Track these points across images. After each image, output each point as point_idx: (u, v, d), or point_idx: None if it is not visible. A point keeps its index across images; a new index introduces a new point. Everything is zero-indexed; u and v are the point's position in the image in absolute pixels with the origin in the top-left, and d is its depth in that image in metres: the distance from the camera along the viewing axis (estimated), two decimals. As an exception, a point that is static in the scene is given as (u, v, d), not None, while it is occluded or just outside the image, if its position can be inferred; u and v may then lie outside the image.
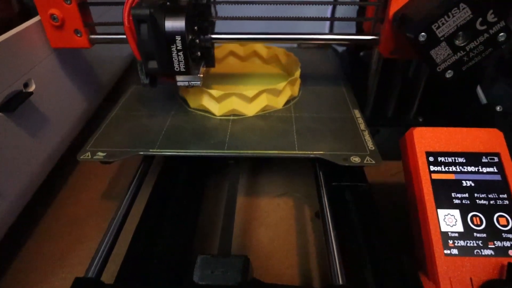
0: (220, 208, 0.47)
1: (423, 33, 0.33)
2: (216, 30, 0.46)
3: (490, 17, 0.32)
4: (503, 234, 0.31)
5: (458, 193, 0.33)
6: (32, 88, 0.43)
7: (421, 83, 0.49)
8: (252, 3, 0.44)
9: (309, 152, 0.40)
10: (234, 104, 0.46)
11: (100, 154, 0.40)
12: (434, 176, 0.34)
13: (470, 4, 0.32)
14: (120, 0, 0.38)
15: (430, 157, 0.35)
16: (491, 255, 0.31)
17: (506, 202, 0.33)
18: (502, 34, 0.33)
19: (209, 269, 0.30)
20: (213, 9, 0.45)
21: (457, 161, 0.35)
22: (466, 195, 0.33)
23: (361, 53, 0.65)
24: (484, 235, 0.32)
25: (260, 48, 0.60)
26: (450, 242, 0.31)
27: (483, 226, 0.32)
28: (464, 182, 0.34)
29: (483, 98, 0.48)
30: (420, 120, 0.52)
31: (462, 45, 0.33)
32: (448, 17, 0.32)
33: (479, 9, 0.32)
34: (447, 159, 0.35)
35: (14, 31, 0.41)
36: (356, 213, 0.41)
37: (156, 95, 0.52)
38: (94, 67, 0.58)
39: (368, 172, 0.44)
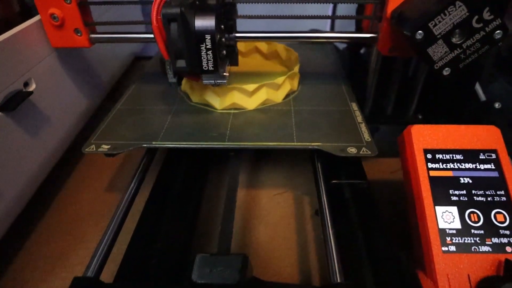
0: (220, 206, 0.48)
1: (420, 31, 0.33)
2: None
3: (486, 15, 0.32)
4: (500, 230, 0.32)
5: (456, 190, 0.33)
6: (32, 87, 0.43)
7: (420, 81, 0.49)
8: (264, 2, 0.44)
9: (307, 144, 0.41)
10: (235, 98, 0.47)
11: (105, 147, 0.41)
12: (432, 173, 0.34)
13: (466, 2, 0.32)
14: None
15: (428, 154, 0.35)
16: (488, 252, 0.31)
17: (504, 198, 0.33)
18: (498, 31, 0.33)
19: (208, 268, 0.30)
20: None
21: (454, 158, 0.35)
22: (464, 192, 0.33)
23: (362, 51, 0.65)
24: (482, 231, 0.32)
25: (260, 44, 0.61)
26: (448, 239, 0.31)
27: (481, 222, 0.32)
28: (461, 179, 0.34)
29: (482, 95, 0.48)
30: (420, 117, 0.52)
31: (458, 42, 0.33)
32: (445, 15, 0.32)
33: (475, 7, 0.32)
34: (445, 156, 0.35)
35: (15, 30, 0.41)
36: (355, 210, 0.41)
37: (158, 91, 0.53)
38: (95, 66, 0.58)
39: (367, 170, 0.45)
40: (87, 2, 0.45)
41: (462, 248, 0.31)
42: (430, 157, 0.35)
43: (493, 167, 0.34)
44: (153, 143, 0.41)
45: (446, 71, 0.35)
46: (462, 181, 0.34)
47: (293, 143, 0.41)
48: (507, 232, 0.31)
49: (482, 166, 0.34)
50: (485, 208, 0.32)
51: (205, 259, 0.30)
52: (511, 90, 0.46)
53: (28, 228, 0.46)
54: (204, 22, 0.36)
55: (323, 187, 0.39)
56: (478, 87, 0.48)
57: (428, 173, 0.34)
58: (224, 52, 0.42)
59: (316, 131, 0.43)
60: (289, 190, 0.51)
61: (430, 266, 0.31)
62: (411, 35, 0.33)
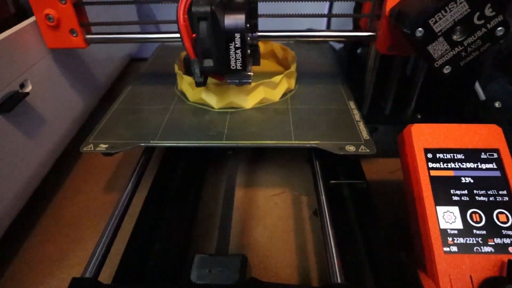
0: (218, 206, 0.47)
1: (420, 29, 0.33)
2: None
3: (488, 11, 0.31)
4: (503, 231, 0.31)
5: (457, 190, 0.33)
6: (28, 88, 0.43)
7: (419, 80, 0.49)
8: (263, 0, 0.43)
9: (305, 142, 0.41)
10: (232, 97, 0.47)
11: (102, 146, 0.41)
12: (433, 173, 0.34)
13: (468, -2, 0.31)
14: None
15: (428, 154, 0.34)
16: (491, 252, 0.30)
17: (506, 198, 0.32)
18: (500, 28, 0.32)
19: (207, 268, 0.29)
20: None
21: (455, 157, 0.34)
22: (465, 191, 0.33)
23: (358, 50, 0.65)
24: (484, 232, 0.31)
25: None
26: (450, 239, 0.31)
27: (483, 223, 0.32)
28: (463, 178, 0.33)
29: (481, 95, 0.47)
30: (419, 117, 0.52)
31: (459, 40, 0.33)
32: (445, 11, 0.32)
33: (476, 3, 0.31)
34: (446, 156, 0.34)
35: (10, 31, 0.41)
36: (354, 211, 0.41)
37: (155, 90, 0.53)
38: (91, 67, 0.58)
39: (366, 170, 0.44)
40: (82, 2, 0.44)
41: (464, 249, 0.31)
42: (431, 156, 0.34)
43: (495, 167, 0.34)
44: (151, 142, 0.41)
45: (446, 69, 0.35)
46: (463, 181, 0.33)
47: (291, 142, 0.41)
48: (510, 233, 0.31)
49: (483, 166, 0.34)
50: (487, 208, 0.32)
51: (204, 260, 0.30)
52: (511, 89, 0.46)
53: (26, 229, 0.46)
54: (234, 21, 0.36)
55: (322, 187, 0.39)
56: (477, 86, 0.47)
57: (429, 173, 0.34)
58: (249, 51, 0.41)
59: (314, 129, 0.43)
60: (287, 191, 0.50)
61: (432, 267, 0.31)
62: (411, 32, 0.33)
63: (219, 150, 0.42)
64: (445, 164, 0.34)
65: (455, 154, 0.34)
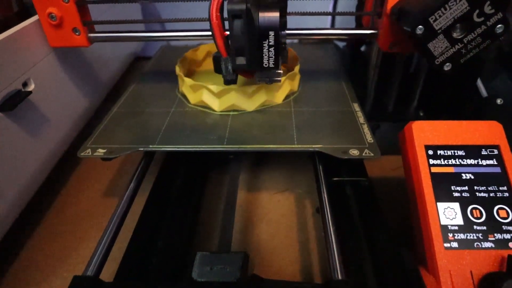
0: (220, 206, 0.47)
1: (420, 26, 0.33)
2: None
3: (487, 9, 0.31)
4: (503, 226, 0.31)
5: (458, 186, 0.33)
6: (31, 87, 0.43)
7: (421, 77, 0.49)
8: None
9: (308, 146, 0.40)
10: (234, 99, 0.46)
11: (101, 151, 0.40)
12: (434, 169, 0.34)
13: (467, -4, 0.31)
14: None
15: (429, 151, 0.35)
16: (491, 248, 0.31)
17: (506, 194, 0.32)
18: (499, 26, 0.32)
19: (208, 266, 0.30)
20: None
21: (456, 154, 0.34)
22: (466, 188, 0.33)
23: (362, 48, 0.65)
24: (484, 227, 0.31)
25: None
26: (450, 235, 0.31)
27: (483, 218, 0.32)
28: (463, 175, 0.33)
29: (483, 92, 0.47)
30: (421, 114, 0.52)
31: (459, 37, 0.33)
32: (445, 9, 0.32)
33: (476, 1, 0.32)
34: (447, 152, 0.34)
35: (13, 30, 0.41)
36: (356, 208, 0.41)
37: (156, 92, 0.52)
38: (94, 66, 0.58)
39: (368, 167, 0.44)
40: (85, 1, 0.44)
41: (465, 245, 0.31)
42: (432, 153, 0.35)
43: (495, 163, 0.34)
44: (150, 146, 0.41)
45: (447, 66, 0.35)
46: (464, 177, 0.33)
47: (293, 146, 0.40)
48: (510, 228, 0.31)
49: (484, 162, 0.34)
50: (488, 204, 0.32)
51: (206, 257, 0.30)
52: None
53: (29, 228, 0.46)
54: (268, 18, 0.35)
55: (324, 184, 0.39)
56: (479, 83, 0.47)
57: (430, 169, 0.34)
58: None
59: (317, 132, 0.42)
60: (290, 188, 0.50)
61: (432, 263, 0.31)
62: (411, 30, 0.33)
63: (221, 154, 0.42)
64: (445, 161, 0.34)
65: (455, 151, 0.35)
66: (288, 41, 0.62)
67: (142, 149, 0.41)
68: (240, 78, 0.52)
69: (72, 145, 0.52)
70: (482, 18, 0.32)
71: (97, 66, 0.59)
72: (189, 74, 0.56)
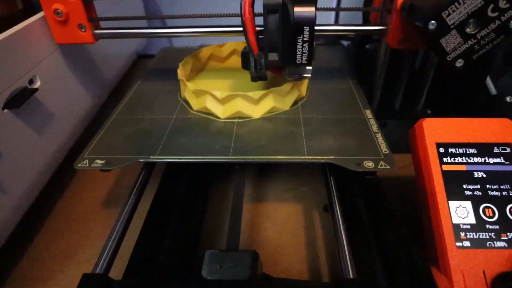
0: (227, 204, 0.47)
1: (432, 21, 0.32)
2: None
3: (502, 3, 0.31)
4: (516, 225, 0.31)
5: (470, 185, 0.33)
6: (37, 84, 0.43)
7: (429, 75, 0.49)
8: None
9: (319, 157, 0.38)
10: (239, 106, 0.44)
11: (98, 162, 0.38)
12: (445, 167, 0.33)
13: (481, -10, 0.31)
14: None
15: (440, 148, 0.34)
16: (504, 247, 0.30)
17: (519, 193, 0.32)
18: (514, 21, 0.32)
19: (218, 264, 0.29)
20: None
21: (468, 152, 0.34)
22: (478, 186, 0.32)
23: (367, 46, 0.64)
24: (497, 227, 0.31)
25: None
26: (462, 234, 0.31)
27: (496, 217, 0.31)
28: (475, 173, 0.33)
29: (492, 89, 0.47)
30: (428, 112, 0.52)
31: (473, 33, 0.33)
32: (459, 4, 0.31)
33: (490, -4, 0.31)
34: (458, 150, 0.34)
35: (19, 27, 0.41)
36: (365, 206, 0.41)
37: (157, 97, 0.50)
38: (99, 64, 0.58)
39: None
40: (91, -4, 0.44)
41: (477, 244, 0.30)
42: (443, 151, 0.34)
43: (507, 161, 0.33)
44: (151, 157, 0.38)
45: (459, 63, 0.34)
46: (476, 175, 0.33)
47: (303, 157, 0.38)
48: (524, 227, 0.31)
49: (496, 160, 0.33)
50: (500, 202, 0.32)
51: (215, 255, 0.30)
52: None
53: (36, 226, 0.46)
54: (304, 13, 0.34)
55: (332, 182, 0.39)
56: (488, 80, 0.47)
57: (441, 168, 0.33)
58: None
59: (327, 142, 0.40)
60: (296, 186, 0.50)
61: (444, 262, 0.31)
62: (424, 25, 0.32)
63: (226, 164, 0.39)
64: (457, 159, 0.34)
65: (467, 149, 0.34)
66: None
67: (142, 160, 0.38)
68: (244, 83, 0.51)
69: (77, 142, 0.52)
70: (497, 13, 0.31)
71: (102, 63, 0.59)
72: (192, 76, 0.55)
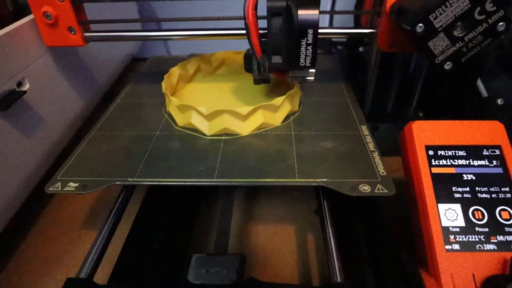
0: (217, 209, 0.47)
1: (420, 24, 0.32)
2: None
3: (489, 6, 0.31)
4: (505, 228, 0.31)
5: (459, 187, 0.32)
6: (26, 87, 0.42)
7: (421, 78, 0.49)
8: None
9: (311, 180, 0.35)
10: (226, 122, 0.41)
11: (72, 185, 0.35)
12: (434, 170, 0.33)
13: (468, -7, 0.31)
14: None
15: (429, 151, 0.34)
16: (493, 250, 0.30)
17: (509, 195, 0.32)
18: (501, 23, 0.32)
19: (204, 268, 0.29)
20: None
21: (457, 154, 0.34)
22: (467, 189, 0.32)
23: (360, 49, 0.64)
24: (486, 229, 0.31)
25: None
26: (451, 237, 0.31)
27: (485, 220, 0.31)
28: (465, 175, 0.33)
29: (484, 92, 0.47)
30: (420, 115, 0.51)
31: (460, 35, 0.33)
32: (446, 7, 0.31)
33: (477, -2, 0.31)
34: (447, 153, 0.34)
35: (7, 29, 0.41)
36: (355, 209, 0.40)
37: (141, 111, 0.47)
38: (91, 67, 0.58)
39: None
40: (81, 0, 0.44)
41: (466, 247, 0.30)
42: (432, 153, 0.34)
43: (497, 164, 0.33)
44: (129, 180, 0.36)
45: (447, 65, 0.34)
46: (465, 178, 0.33)
47: (294, 180, 0.35)
48: (513, 230, 0.31)
49: (485, 162, 0.33)
50: (490, 205, 0.32)
51: (202, 259, 0.30)
52: (514, 86, 0.46)
53: (23, 230, 0.45)
54: (308, 16, 0.34)
55: (321, 192, 0.38)
56: (480, 83, 0.47)
57: (430, 170, 0.33)
58: None
59: (321, 162, 0.37)
60: (287, 190, 0.50)
61: (434, 265, 0.30)
62: (411, 28, 0.32)
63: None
64: (446, 161, 0.34)
65: (456, 151, 0.34)
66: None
67: (119, 183, 0.36)
68: (232, 98, 0.49)
69: (66, 147, 0.51)
70: (484, 16, 0.31)
71: (94, 66, 0.59)
72: (180, 88, 0.52)
